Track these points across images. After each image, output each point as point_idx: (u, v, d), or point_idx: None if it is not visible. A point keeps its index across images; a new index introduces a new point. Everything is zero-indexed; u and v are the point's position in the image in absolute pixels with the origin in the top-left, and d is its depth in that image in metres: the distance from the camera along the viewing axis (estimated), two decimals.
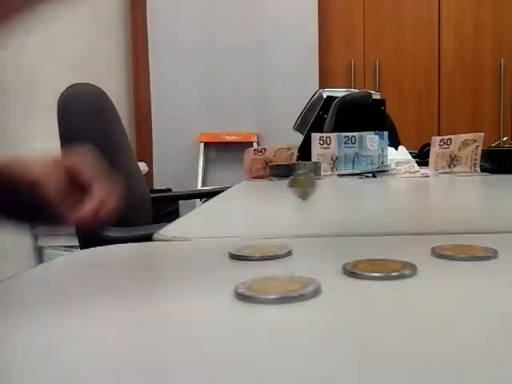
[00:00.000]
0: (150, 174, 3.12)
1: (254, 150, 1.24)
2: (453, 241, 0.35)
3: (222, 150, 3.27)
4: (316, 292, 0.24)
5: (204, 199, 1.91)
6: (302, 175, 0.71)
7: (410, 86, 3.27)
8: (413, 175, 1.17)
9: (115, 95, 2.40)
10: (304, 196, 0.68)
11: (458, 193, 0.90)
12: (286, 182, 0.99)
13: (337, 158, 1.21)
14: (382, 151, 1.22)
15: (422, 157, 1.42)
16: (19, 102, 2.15)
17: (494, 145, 1.82)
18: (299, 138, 1.47)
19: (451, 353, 0.18)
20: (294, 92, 2.94)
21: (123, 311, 0.24)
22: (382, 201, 0.81)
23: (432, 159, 1.23)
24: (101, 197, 0.43)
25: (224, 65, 3.20)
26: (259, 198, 0.91)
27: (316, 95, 1.51)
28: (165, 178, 3.19)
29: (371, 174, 1.19)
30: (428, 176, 1.14)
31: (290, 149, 1.27)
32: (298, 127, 1.54)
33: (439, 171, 1.21)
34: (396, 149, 1.36)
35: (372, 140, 1.22)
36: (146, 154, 3.26)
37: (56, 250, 2.07)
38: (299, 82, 3.07)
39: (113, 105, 1.39)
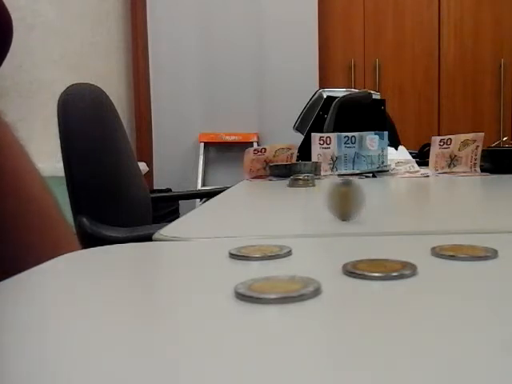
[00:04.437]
0: (149, 173, 3.13)
1: (254, 150, 1.24)
2: (453, 241, 0.35)
3: (222, 150, 3.27)
4: (316, 292, 0.24)
5: (204, 199, 1.91)
6: (344, 185, 0.47)
7: (410, 85, 3.28)
8: (413, 175, 1.17)
9: (115, 95, 2.40)
10: (346, 215, 0.48)
11: (458, 193, 0.90)
12: (286, 182, 0.99)
13: (337, 157, 1.21)
14: (382, 151, 1.23)
15: (421, 157, 1.42)
16: (19, 102, 2.15)
17: (493, 145, 1.82)
18: (299, 137, 1.47)
19: (451, 353, 0.18)
20: (294, 92, 2.94)
21: (123, 311, 0.24)
22: (382, 201, 0.82)
23: (432, 159, 1.23)
24: None
25: (224, 65, 3.20)
26: (259, 198, 0.91)
27: (316, 95, 1.51)
28: (165, 178, 3.19)
29: (371, 174, 1.19)
30: (428, 176, 1.14)
31: (290, 149, 1.28)
32: (298, 127, 1.54)
33: (439, 171, 1.21)
34: (396, 149, 1.37)
35: (372, 140, 1.22)
36: (146, 154, 3.27)
37: None
38: (299, 82, 3.07)
39: (113, 105, 1.39)
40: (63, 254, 0.36)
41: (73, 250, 0.38)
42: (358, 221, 0.49)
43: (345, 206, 0.48)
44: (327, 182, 1.10)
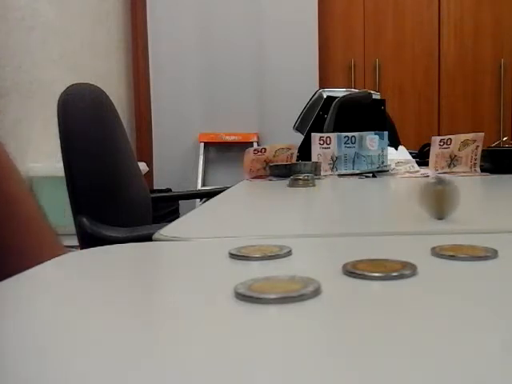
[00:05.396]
0: (149, 173, 3.12)
1: (254, 150, 1.24)
2: (453, 241, 0.35)
3: (222, 150, 3.27)
4: (316, 292, 0.24)
5: (204, 199, 1.91)
6: (439, 184, 0.46)
7: (410, 85, 3.28)
8: (413, 175, 1.17)
9: (115, 95, 2.40)
10: (442, 214, 0.47)
11: (458, 193, 0.90)
12: (286, 182, 0.99)
13: (337, 157, 1.21)
14: (382, 151, 1.23)
15: (421, 157, 1.42)
16: (19, 102, 2.15)
17: (493, 145, 1.82)
18: (299, 137, 1.47)
19: (451, 353, 0.18)
20: (294, 92, 2.94)
21: (123, 311, 0.24)
22: (382, 201, 0.82)
23: (432, 159, 1.23)
24: None
25: (224, 65, 3.20)
26: (259, 198, 0.91)
27: (316, 95, 1.51)
28: (165, 178, 3.19)
29: (371, 174, 1.19)
30: (428, 176, 1.14)
31: (290, 149, 1.28)
32: (298, 127, 1.54)
33: (439, 171, 1.21)
34: (396, 149, 1.37)
35: (372, 140, 1.22)
36: (146, 154, 3.27)
37: None
38: (299, 82, 3.07)
39: (113, 105, 1.39)
40: (47, 255, 0.36)
41: (57, 252, 0.38)
42: (359, 221, 0.49)
43: (440, 204, 0.46)
44: (329, 181, 1.10)
